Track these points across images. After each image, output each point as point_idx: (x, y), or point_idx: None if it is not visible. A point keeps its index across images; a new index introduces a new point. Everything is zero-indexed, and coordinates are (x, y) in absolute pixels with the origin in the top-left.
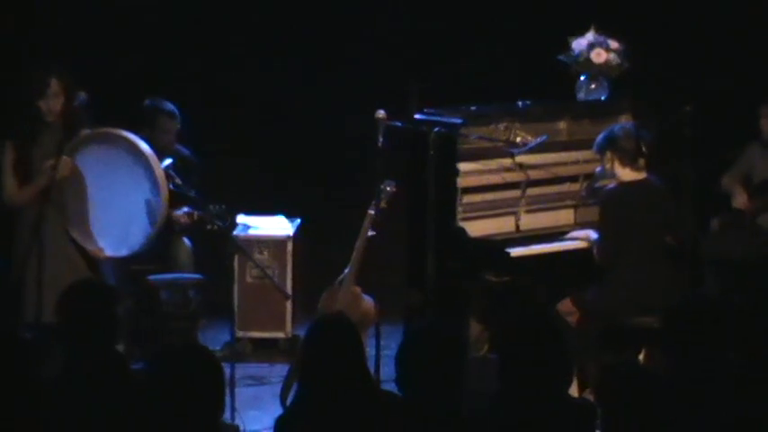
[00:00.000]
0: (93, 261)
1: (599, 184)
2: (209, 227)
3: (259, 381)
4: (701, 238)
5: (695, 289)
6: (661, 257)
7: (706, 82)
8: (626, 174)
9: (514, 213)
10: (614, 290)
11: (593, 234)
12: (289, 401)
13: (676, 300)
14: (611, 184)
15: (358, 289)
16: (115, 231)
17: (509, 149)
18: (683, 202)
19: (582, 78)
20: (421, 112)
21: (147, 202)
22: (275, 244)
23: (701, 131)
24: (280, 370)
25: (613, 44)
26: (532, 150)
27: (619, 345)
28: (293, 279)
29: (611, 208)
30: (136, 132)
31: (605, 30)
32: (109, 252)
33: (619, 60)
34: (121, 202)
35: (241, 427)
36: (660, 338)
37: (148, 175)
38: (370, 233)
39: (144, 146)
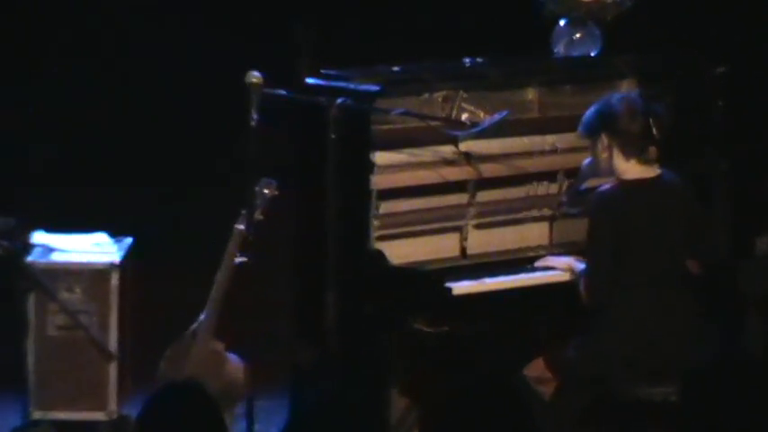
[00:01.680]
0: None
1: (587, 184)
2: None
3: None
4: (740, 264)
5: (731, 340)
6: (680, 293)
7: (747, 32)
8: (629, 169)
9: (458, 229)
10: (610, 344)
11: (577, 264)
12: None
13: (702, 357)
14: (607, 184)
15: (220, 345)
16: None
17: (451, 132)
18: (713, 210)
19: (561, 24)
20: (316, 74)
21: None
22: (93, 276)
23: (742, 105)
24: None
25: None
26: (486, 133)
27: (616, 426)
28: (120, 330)
29: (606, 219)
30: None
31: None
32: None
33: None
34: None
35: None
36: (678, 417)
37: None
38: (239, 259)
39: None
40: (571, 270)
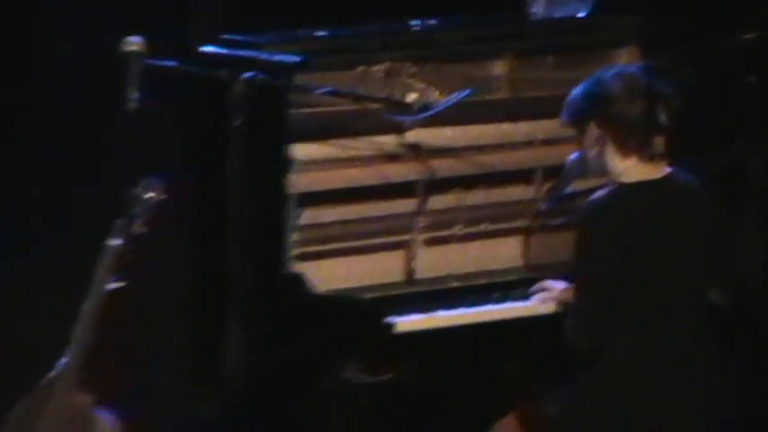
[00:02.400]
0: None
1: (573, 187)
2: None
3: None
4: None
5: (765, 393)
6: (698, 332)
7: None
8: (629, 168)
9: (404, 246)
10: (602, 398)
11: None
12: None
13: (726, 417)
14: (601, 189)
15: (87, 399)
16: None
17: (395, 117)
18: (743, 221)
19: None
20: (215, 40)
21: None
22: None
23: None
24: None
25: None
26: (441, 119)
27: None
28: None
29: (601, 235)
30: None
31: None
32: None
33: None
34: None
35: None
36: None
37: None
38: (114, 284)
39: None
40: (565, 297)
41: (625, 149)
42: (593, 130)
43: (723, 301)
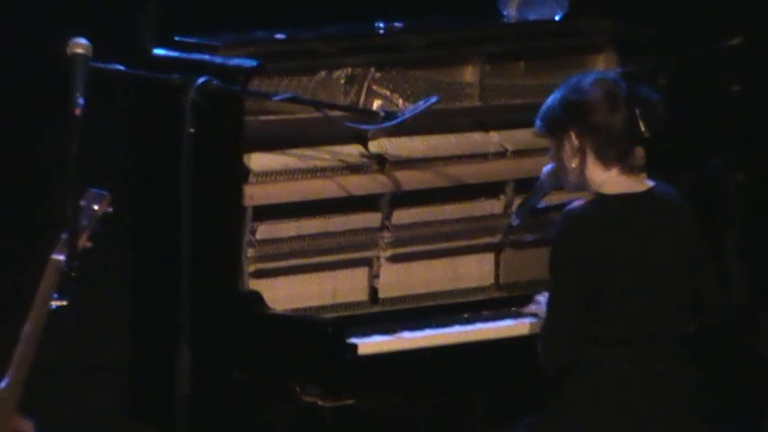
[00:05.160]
0: None
1: (547, 200)
2: None
3: None
4: (761, 317)
5: (747, 426)
6: (678, 359)
7: None
8: (610, 179)
9: (367, 263)
10: (578, 420)
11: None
12: None
13: None
14: (578, 200)
15: (27, 424)
16: None
17: (357, 125)
18: (725, 239)
19: None
20: (166, 42)
21: None
22: None
23: (765, 90)
24: None
25: None
26: (407, 128)
27: None
28: None
29: (576, 249)
30: None
31: None
32: None
33: None
34: None
35: None
36: None
37: None
38: (57, 303)
39: None
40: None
41: (606, 160)
42: (573, 140)
43: (702, 327)
